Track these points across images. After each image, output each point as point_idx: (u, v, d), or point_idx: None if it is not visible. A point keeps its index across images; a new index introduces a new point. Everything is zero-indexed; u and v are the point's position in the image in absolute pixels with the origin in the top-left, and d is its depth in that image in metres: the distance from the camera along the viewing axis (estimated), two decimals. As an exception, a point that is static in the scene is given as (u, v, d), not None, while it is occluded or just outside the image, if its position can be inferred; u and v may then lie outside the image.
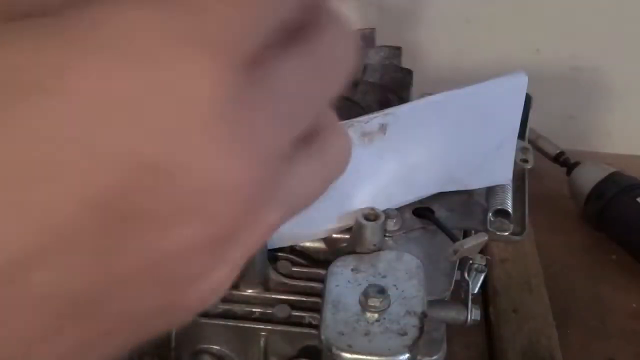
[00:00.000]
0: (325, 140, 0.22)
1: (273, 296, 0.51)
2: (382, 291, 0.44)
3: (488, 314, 0.65)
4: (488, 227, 0.53)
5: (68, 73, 0.15)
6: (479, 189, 0.55)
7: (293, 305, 0.51)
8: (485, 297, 0.66)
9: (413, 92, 0.61)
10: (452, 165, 0.53)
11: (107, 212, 0.16)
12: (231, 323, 0.50)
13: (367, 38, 0.65)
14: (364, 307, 0.44)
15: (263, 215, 0.20)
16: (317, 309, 0.47)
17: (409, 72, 0.62)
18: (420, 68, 0.66)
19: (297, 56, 0.20)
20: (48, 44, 0.16)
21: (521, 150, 0.59)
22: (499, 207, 0.54)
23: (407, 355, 0.42)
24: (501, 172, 0.54)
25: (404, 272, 0.47)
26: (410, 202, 0.54)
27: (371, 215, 0.48)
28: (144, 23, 0.16)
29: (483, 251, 0.50)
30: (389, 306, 0.44)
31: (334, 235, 0.51)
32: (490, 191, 0.55)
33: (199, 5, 0.17)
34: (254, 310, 0.51)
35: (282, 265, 0.52)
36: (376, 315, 0.44)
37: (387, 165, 0.51)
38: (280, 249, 0.51)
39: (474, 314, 0.49)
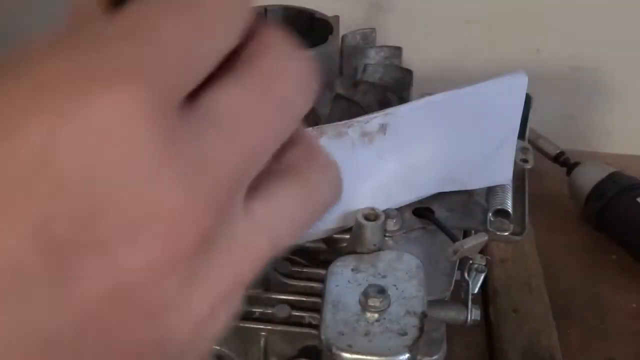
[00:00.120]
0: (307, 170, 0.22)
1: (273, 296, 0.51)
2: (382, 291, 0.44)
3: (488, 314, 0.65)
4: (488, 227, 0.53)
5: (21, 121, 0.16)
6: (479, 189, 0.55)
7: (293, 305, 0.51)
8: (485, 297, 0.66)
9: (413, 92, 0.61)
10: (452, 165, 0.53)
11: (51, 243, 0.16)
12: (231, 323, 0.50)
13: (367, 38, 0.65)
14: (364, 307, 0.44)
15: (236, 245, 0.19)
16: (317, 309, 0.47)
17: (409, 72, 0.62)
18: (420, 68, 0.66)
19: (238, 84, 0.19)
20: None
21: (521, 150, 0.59)
22: (499, 207, 0.54)
23: (407, 355, 0.42)
24: (501, 172, 0.54)
25: (404, 272, 0.47)
26: (410, 202, 0.54)
27: (371, 215, 0.48)
28: (69, 72, 0.17)
29: (483, 251, 0.50)
30: (389, 306, 0.44)
31: (334, 235, 0.51)
32: (490, 191, 0.55)
33: (124, 46, 0.17)
34: (253, 310, 0.51)
35: (282, 265, 0.52)
36: (376, 315, 0.44)
37: (387, 165, 0.51)
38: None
39: (474, 314, 0.49)
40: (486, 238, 0.49)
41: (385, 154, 0.51)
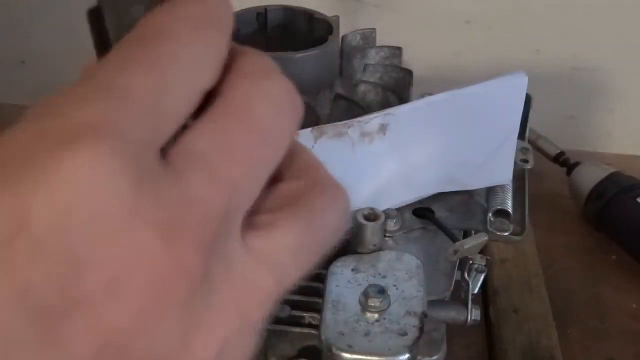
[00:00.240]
0: (310, 197, 0.21)
1: (273, 296, 0.51)
2: (382, 291, 0.44)
3: (488, 314, 0.65)
4: (488, 227, 0.53)
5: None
6: (479, 189, 0.55)
7: (293, 305, 0.51)
8: (485, 297, 0.66)
9: (413, 92, 0.61)
10: (452, 166, 0.53)
11: (35, 307, 0.16)
12: None
13: (367, 38, 0.65)
14: (364, 307, 0.44)
15: (235, 283, 0.19)
16: (317, 309, 0.47)
17: (409, 72, 0.62)
18: (420, 68, 0.66)
19: (212, 121, 0.19)
20: None
21: (521, 150, 0.59)
22: (499, 207, 0.54)
23: (407, 355, 0.42)
24: (501, 172, 0.54)
25: (404, 272, 0.47)
26: (410, 202, 0.54)
27: (371, 215, 0.48)
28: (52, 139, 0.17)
29: (483, 251, 0.50)
30: (389, 306, 0.44)
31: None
32: (490, 191, 0.55)
33: (88, 108, 0.17)
34: (254, 310, 0.51)
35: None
36: (376, 315, 0.44)
37: (387, 165, 0.51)
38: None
39: (474, 314, 0.49)
40: (486, 238, 0.49)
41: (385, 154, 0.51)
